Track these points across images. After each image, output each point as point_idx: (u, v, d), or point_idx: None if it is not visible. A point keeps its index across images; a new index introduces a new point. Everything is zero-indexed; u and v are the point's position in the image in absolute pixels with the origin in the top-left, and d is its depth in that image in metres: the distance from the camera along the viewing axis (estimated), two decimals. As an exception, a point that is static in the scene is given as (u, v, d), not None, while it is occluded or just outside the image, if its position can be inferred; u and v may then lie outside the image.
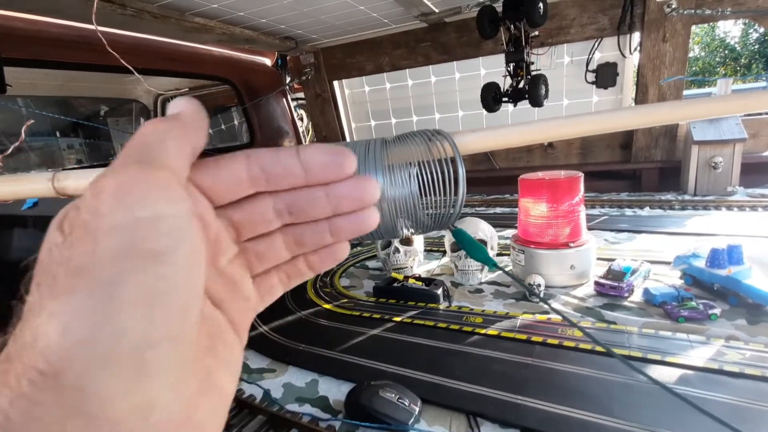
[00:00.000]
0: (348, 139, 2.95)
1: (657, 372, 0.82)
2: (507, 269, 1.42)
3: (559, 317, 1.07)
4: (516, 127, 0.46)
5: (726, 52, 10.15)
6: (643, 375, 0.46)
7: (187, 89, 3.12)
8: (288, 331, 1.17)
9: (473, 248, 0.36)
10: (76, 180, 0.44)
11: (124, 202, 0.15)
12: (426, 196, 0.38)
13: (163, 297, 0.15)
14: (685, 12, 1.94)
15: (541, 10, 1.67)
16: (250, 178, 0.19)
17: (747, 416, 0.69)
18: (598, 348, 0.89)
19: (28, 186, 0.45)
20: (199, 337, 0.17)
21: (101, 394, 0.13)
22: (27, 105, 2.71)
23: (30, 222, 0.75)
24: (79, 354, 0.13)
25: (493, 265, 0.37)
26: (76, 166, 2.97)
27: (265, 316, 1.26)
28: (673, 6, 1.94)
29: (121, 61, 0.66)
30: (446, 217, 0.40)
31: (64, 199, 0.47)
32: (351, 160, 0.21)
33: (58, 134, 3.09)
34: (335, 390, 0.90)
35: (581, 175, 1.24)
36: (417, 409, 0.78)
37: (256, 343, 1.12)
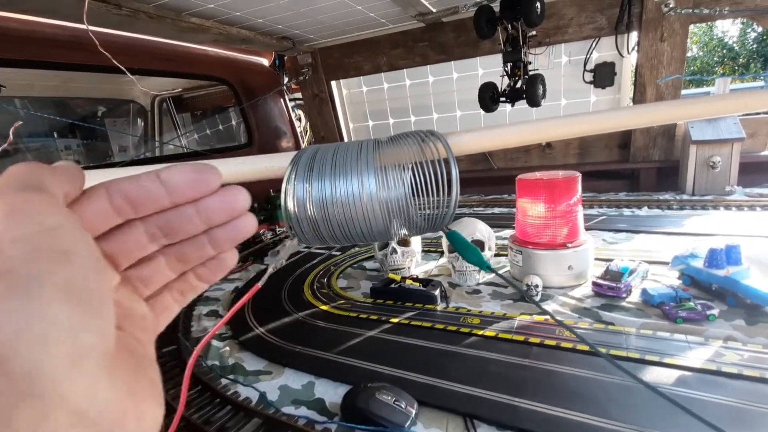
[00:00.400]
0: (345, 139, 2.95)
1: (655, 373, 0.81)
2: (502, 271, 1.42)
3: (556, 318, 1.07)
4: (513, 127, 0.45)
5: (724, 51, 10.17)
6: (629, 375, 0.45)
7: (180, 89, 3.11)
8: (284, 332, 1.16)
9: (467, 251, 0.35)
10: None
11: (19, 219, 0.16)
12: (419, 197, 0.38)
13: (81, 291, 0.16)
14: (682, 11, 1.94)
15: (539, 10, 1.67)
16: (115, 208, 0.20)
17: (746, 418, 0.68)
18: (589, 348, 0.89)
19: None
20: (118, 341, 0.19)
21: (48, 377, 0.14)
22: (24, 106, 2.69)
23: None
24: (18, 343, 0.14)
25: (487, 268, 0.36)
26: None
27: (261, 318, 1.25)
28: (671, 5, 1.94)
29: (113, 61, 0.66)
30: (440, 219, 0.40)
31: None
32: (214, 175, 0.21)
33: (55, 135, 3.07)
34: (332, 392, 0.89)
35: (579, 175, 1.24)
36: (413, 412, 0.77)
37: (252, 345, 1.11)
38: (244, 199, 0.22)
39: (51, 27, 1.64)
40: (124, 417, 0.16)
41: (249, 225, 0.23)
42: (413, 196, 0.37)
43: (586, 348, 0.90)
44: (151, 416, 0.18)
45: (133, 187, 0.20)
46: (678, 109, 0.34)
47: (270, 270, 0.42)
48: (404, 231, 0.40)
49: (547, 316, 1.05)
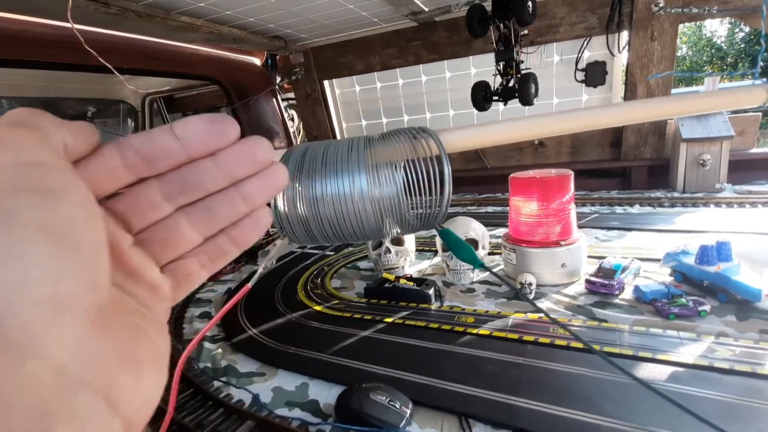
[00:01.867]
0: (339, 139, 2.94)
1: (648, 370, 0.82)
2: (498, 268, 1.42)
3: (551, 316, 1.07)
4: (504, 124, 0.45)
5: (713, 51, 10.29)
6: (622, 371, 0.45)
7: (169, 87, 3.07)
8: (278, 333, 1.16)
9: (460, 249, 0.35)
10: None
11: (4, 151, 0.15)
12: (412, 195, 0.37)
13: (67, 234, 0.14)
14: (672, 11, 1.95)
15: (530, 9, 1.67)
16: (127, 166, 0.19)
17: (738, 413, 0.69)
18: (582, 345, 0.89)
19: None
20: (117, 301, 0.18)
21: (21, 324, 0.13)
22: (12, 106, 2.65)
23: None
24: None
25: (480, 266, 0.36)
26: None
27: (254, 319, 1.24)
28: (661, 5, 1.96)
29: (99, 59, 0.64)
30: (433, 217, 0.39)
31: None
32: (230, 125, 0.20)
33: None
34: (326, 393, 0.89)
35: (571, 173, 1.24)
36: (408, 412, 0.77)
37: (245, 347, 1.10)
38: (264, 147, 0.21)
39: (39, 26, 1.61)
40: (116, 378, 0.15)
41: (280, 175, 0.22)
42: (405, 194, 0.37)
43: (580, 345, 0.90)
44: (151, 382, 0.17)
45: (147, 142, 0.19)
46: (671, 104, 0.33)
47: (260, 270, 0.42)
48: (397, 229, 0.39)
49: (541, 314, 1.05)
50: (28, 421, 0.12)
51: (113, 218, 0.19)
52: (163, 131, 0.19)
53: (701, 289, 1.08)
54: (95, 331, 0.15)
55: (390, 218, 0.37)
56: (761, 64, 1.33)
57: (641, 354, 0.86)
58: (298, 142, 3.27)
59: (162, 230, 0.21)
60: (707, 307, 0.97)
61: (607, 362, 0.35)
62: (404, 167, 0.37)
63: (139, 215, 0.20)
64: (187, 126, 0.19)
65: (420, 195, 0.37)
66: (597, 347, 0.90)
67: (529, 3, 1.66)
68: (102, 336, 0.15)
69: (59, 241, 0.14)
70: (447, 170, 0.35)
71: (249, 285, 0.42)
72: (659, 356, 0.85)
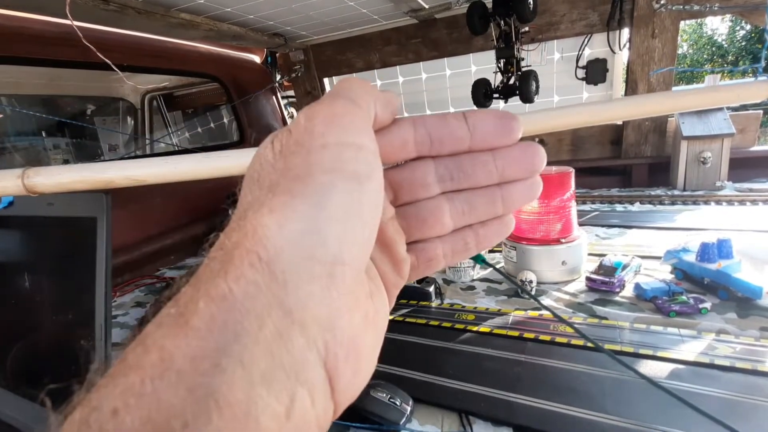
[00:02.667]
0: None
1: (648, 367, 0.82)
2: (498, 266, 1.42)
3: (557, 314, 1.07)
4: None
5: (713, 49, 10.28)
6: (630, 369, 0.45)
7: (166, 83, 3.06)
8: (278, 331, 1.15)
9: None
10: (47, 177, 0.42)
11: (335, 127, 0.17)
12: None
13: (357, 218, 0.16)
14: (673, 8, 1.95)
15: (531, 6, 1.67)
16: (416, 141, 0.20)
17: (738, 410, 0.69)
18: (590, 343, 0.89)
19: (-4, 184, 0.43)
20: (366, 271, 0.19)
21: (298, 294, 0.14)
22: (11, 104, 2.65)
23: (6, 223, 0.73)
24: (288, 250, 0.14)
25: (482, 262, 0.36)
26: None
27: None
28: (662, 2, 1.95)
29: (99, 54, 0.64)
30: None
31: (36, 197, 0.45)
32: (517, 124, 0.21)
33: (43, 134, 3.02)
34: (326, 390, 0.89)
35: (572, 170, 1.24)
36: (409, 409, 0.77)
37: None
38: (543, 156, 0.22)
39: (39, 23, 1.61)
40: (355, 341, 0.16)
41: (540, 187, 0.23)
42: None
43: (580, 343, 0.90)
44: (368, 371, 0.18)
45: (439, 124, 0.20)
46: (673, 99, 0.33)
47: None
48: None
49: (542, 312, 1.05)
50: (273, 390, 0.13)
51: (387, 186, 0.20)
52: (456, 118, 0.20)
53: (702, 286, 1.08)
54: (343, 316, 0.16)
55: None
56: (764, 61, 1.32)
57: (642, 351, 0.86)
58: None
59: (423, 209, 0.21)
60: (708, 305, 0.97)
61: (612, 360, 0.34)
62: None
63: (408, 190, 0.21)
64: (480, 117, 0.20)
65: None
66: (607, 346, 0.90)
67: (530, 0, 1.66)
68: (346, 322, 0.16)
69: (350, 225, 0.16)
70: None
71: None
72: (660, 353, 0.85)
